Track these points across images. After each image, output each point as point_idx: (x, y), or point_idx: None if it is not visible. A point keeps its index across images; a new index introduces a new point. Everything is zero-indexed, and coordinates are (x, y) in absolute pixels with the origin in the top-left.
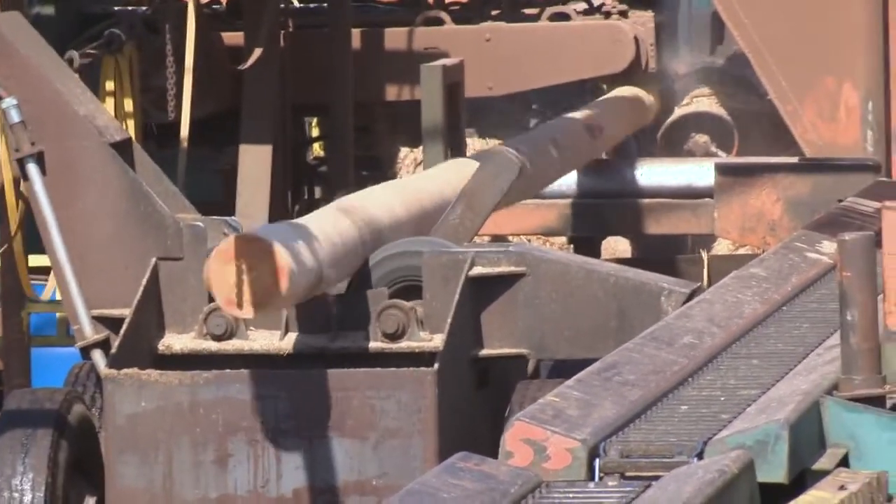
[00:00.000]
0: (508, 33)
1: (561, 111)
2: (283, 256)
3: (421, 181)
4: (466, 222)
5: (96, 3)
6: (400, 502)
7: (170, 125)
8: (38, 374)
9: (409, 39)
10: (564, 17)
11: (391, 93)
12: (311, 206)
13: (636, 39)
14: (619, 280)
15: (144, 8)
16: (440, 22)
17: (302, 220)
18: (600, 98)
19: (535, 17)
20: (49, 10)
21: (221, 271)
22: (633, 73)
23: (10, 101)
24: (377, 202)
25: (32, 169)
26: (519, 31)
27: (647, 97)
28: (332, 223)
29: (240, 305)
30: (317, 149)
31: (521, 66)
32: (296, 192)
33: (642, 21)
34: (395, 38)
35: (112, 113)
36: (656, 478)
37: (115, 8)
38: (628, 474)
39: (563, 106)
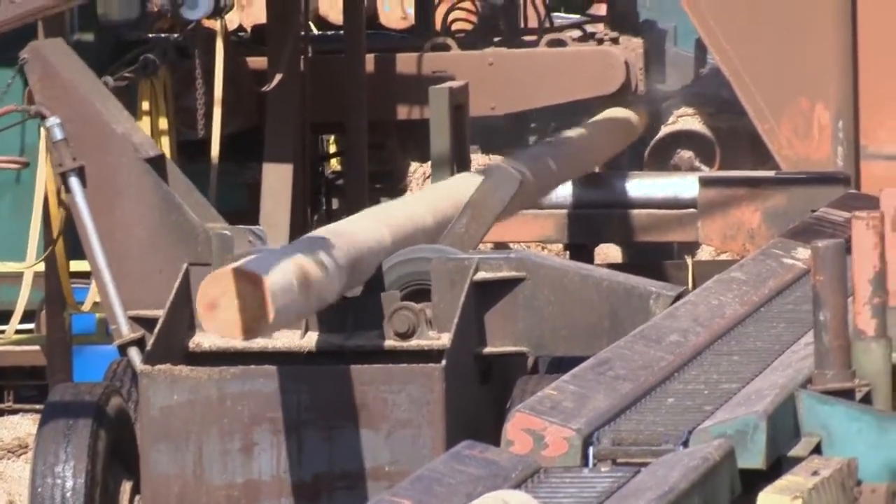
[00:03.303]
0: (510, 58)
1: (556, 128)
2: (268, 289)
3: (408, 206)
4: (471, 231)
5: (132, 30)
6: (411, 486)
7: (199, 142)
8: (79, 370)
9: (418, 64)
10: (561, 43)
11: (402, 112)
12: (329, 216)
13: (626, 64)
14: (612, 284)
15: (176, 35)
16: (447, 48)
17: (290, 247)
18: (593, 118)
19: (535, 43)
20: (89, 37)
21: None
22: (623, 95)
23: (53, 121)
24: (363, 227)
25: (74, 182)
26: (519, 56)
27: (635, 116)
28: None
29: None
30: (334, 164)
31: (522, 88)
32: (315, 203)
33: (632, 47)
34: (405, 62)
35: (148, 131)
36: (645, 464)
37: (150, 35)
38: (620, 461)
39: (559, 124)
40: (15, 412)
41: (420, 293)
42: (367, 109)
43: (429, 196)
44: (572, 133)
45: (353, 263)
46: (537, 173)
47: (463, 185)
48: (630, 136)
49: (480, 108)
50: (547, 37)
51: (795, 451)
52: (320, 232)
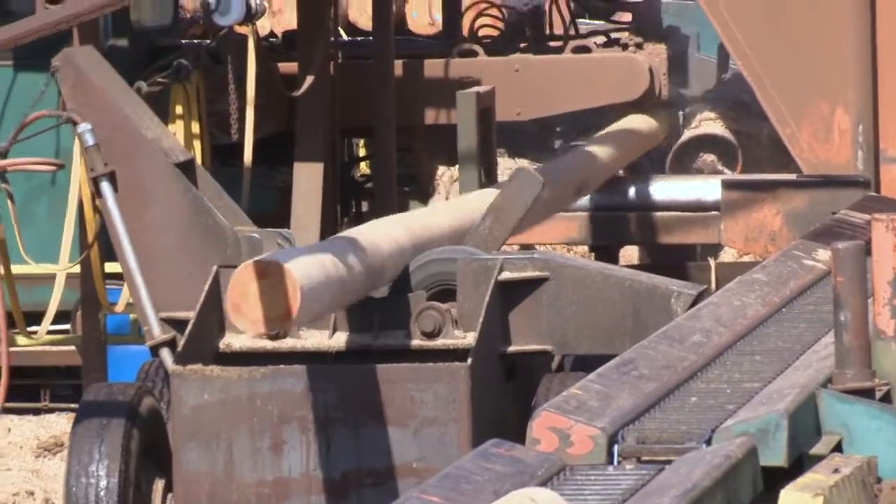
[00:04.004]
0: (535, 64)
1: (581, 133)
2: (295, 280)
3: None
4: (495, 232)
5: (165, 36)
6: (438, 484)
7: (231, 146)
8: (113, 369)
9: (445, 69)
10: (586, 49)
11: (429, 116)
12: (359, 218)
13: (650, 70)
14: (634, 283)
15: (208, 41)
16: (474, 54)
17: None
18: (613, 126)
19: (560, 50)
20: (123, 42)
21: (242, 294)
22: (647, 100)
23: (85, 126)
24: (383, 231)
25: (106, 187)
26: (545, 63)
27: (655, 124)
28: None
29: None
30: (363, 167)
31: (547, 94)
32: (344, 206)
33: (656, 53)
34: (433, 68)
35: (181, 135)
36: (669, 462)
37: (182, 41)
38: (644, 459)
39: (583, 128)
40: (51, 411)
41: (446, 293)
42: (396, 114)
43: (448, 206)
44: (594, 145)
45: (374, 264)
46: (561, 186)
47: (484, 198)
48: (650, 143)
49: (506, 114)
50: (572, 43)
51: (816, 450)
52: (342, 235)
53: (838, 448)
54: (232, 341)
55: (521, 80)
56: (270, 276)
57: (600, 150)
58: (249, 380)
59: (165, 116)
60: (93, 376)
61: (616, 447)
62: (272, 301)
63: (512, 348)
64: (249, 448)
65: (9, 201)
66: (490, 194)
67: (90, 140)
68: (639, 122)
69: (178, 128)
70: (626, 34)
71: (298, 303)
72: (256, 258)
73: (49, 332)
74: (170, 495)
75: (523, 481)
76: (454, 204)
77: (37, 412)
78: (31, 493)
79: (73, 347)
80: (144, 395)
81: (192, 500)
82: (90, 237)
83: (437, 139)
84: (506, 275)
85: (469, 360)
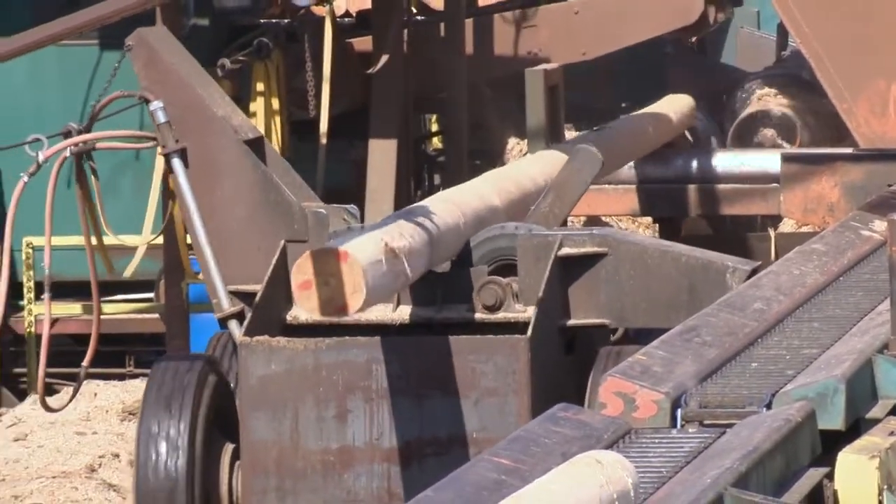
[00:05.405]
0: (593, 3)
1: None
2: (359, 269)
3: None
4: (556, 210)
5: (244, 16)
6: (508, 446)
7: (309, 121)
8: (195, 337)
9: (510, 21)
10: None
11: (497, 70)
12: (431, 191)
13: None
14: (690, 259)
15: (287, 20)
16: (536, 3)
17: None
18: (655, 104)
19: None
20: (204, 22)
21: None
22: (702, 25)
23: (157, 104)
24: (441, 209)
25: (177, 163)
26: (602, 0)
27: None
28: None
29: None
30: (436, 142)
31: (608, 31)
32: (418, 179)
33: None
34: (497, 20)
35: (262, 112)
36: (731, 425)
37: (262, 20)
38: (706, 422)
39: (648, 103)
40: (135, 376)
41: (506, 268)
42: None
43: (497, 178)
44: (636, 121)
45: (435, 242)
46: (609, 153)
47: (529, 167)
48: (685, 124)
49: (572, 56)
50: None
51: (873, 413)
52: (403, 213)
53: (894, 412)
54: (298, 313)
55: (582, 21)
56: (338, 265)
57: (642, 126)
58: (315, 350)
59: (247, 93)
60: (175, 343)
61: (679, 411)
62: (335, 289)
63: (571, 322)
64: (315, 417)
65: (93, 178)
66: (546, 157)
67: (162, 117)
68: (679, 101)
69: (258, 105)
70: None
71: (362, 299)
72: (324, 246)
73: (133, 301)
74: (237, 462)
75: (590, 444)
76: (508, 174)
77: (121, 377)
78: (117, 456)
79: (156, 315)
80: (213, 366)
81: (259, 467)
82: (171, 209)
83: (507, 113)
84: (565, 250)
85: (529, 333)
